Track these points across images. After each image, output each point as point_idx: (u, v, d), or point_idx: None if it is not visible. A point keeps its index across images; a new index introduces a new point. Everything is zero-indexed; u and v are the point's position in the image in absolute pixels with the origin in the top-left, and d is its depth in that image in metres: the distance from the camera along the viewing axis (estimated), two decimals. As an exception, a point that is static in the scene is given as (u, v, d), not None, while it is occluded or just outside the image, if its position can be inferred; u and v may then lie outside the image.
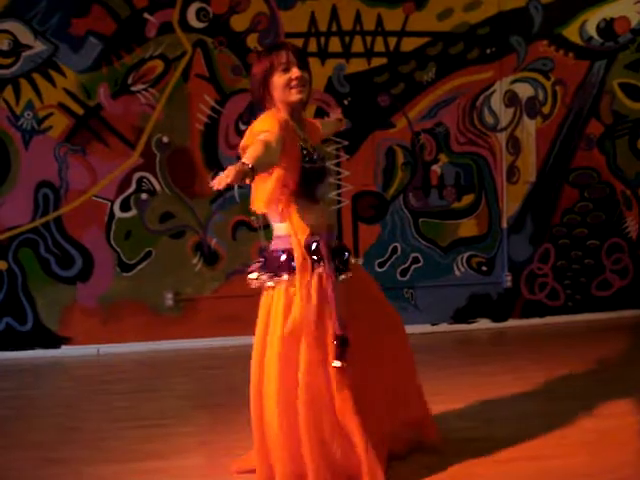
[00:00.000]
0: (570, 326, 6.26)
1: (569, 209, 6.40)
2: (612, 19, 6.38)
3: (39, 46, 5.73)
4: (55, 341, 5.89)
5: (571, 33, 6.35)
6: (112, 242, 5.89)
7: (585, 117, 6.38)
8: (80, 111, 5.81)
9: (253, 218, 5.92)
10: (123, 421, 4.32)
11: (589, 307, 6.46)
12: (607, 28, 6.38)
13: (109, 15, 5.77)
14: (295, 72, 3.29)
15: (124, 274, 5.92)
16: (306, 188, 3.28)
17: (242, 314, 5.96)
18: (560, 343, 5.77)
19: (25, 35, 5.71)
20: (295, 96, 3.31)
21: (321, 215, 3.37)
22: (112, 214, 5.88)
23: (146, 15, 5.81)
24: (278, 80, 3.29)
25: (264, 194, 3.22)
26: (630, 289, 6.52)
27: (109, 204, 5.88)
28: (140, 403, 4.66)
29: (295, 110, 3.37)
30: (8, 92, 5.74)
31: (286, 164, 3.17)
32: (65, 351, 5.88)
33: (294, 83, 3.29)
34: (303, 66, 3.33)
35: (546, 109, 6.31)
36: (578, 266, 6.45)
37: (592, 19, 6.36)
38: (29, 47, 5.72)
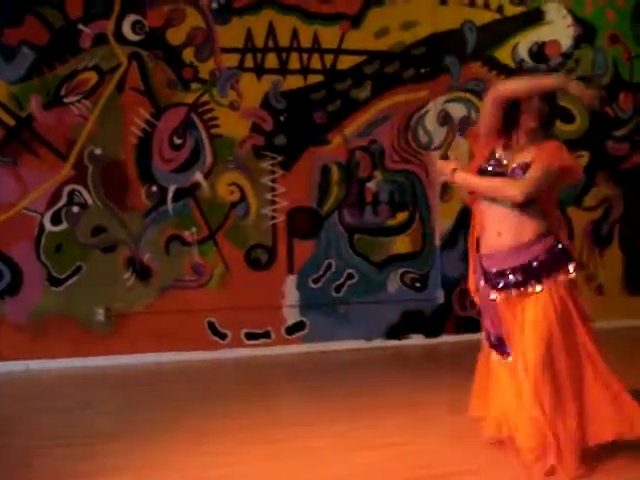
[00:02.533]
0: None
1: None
2: (544, 42, 6.55)
3: (-31, 55, 5.62)
4: (-19, 357, 5.74)
5: (504, 55, 6.49)
6: (42, 256, 5.77)
7: (517, 137, 6.50)
8: (11, 122, 5.70)
9: (188, 233, 5.95)
10: (51, 439, 4.21)
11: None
12: (539, 51, 6.54)
13: (43, 25, 5.68)
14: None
15: (54, 289, 5.81)
16: None
17: (175, 330, 5.92)
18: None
19: (-46, 43, 5.60)
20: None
21: None
22: (42, 227, 5.77)
23: (80, 26, 5.74)
24: None
25: None
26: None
27: (39, 217, 5.76)
28: (69, 420, 4.56)
29: None
30: (-64, 101, 5.61)
31: None
32: (-8, 367, 5.73)
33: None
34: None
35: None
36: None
37: (524, 42, 6.52)
38: (-42, 56, 5.61)
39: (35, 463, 3.87)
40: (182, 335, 5.92)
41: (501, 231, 3.51)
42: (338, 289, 6.25)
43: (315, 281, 6.21)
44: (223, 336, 6.03)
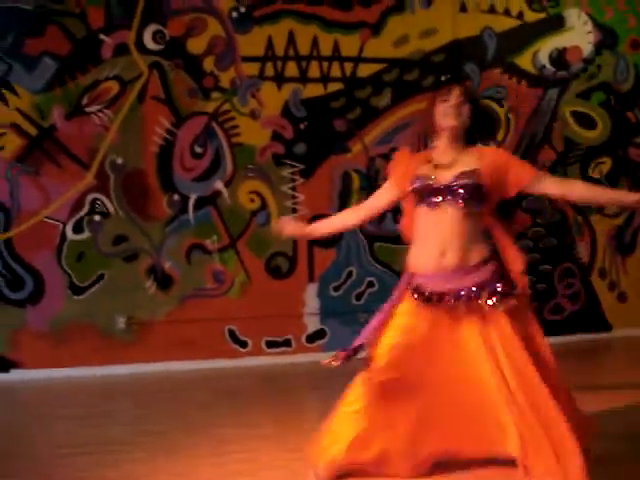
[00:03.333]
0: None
1: (522, 234, 6.47)
2: (564, 48, 6.52)
3: (-8, 65, 5.66)
4: (4, 365, 5.76)
5: (524, 62, 6.47)
6: (64, 264, 5.80)
7: (538, 144, 6.48)
8: (33, 132, 5.74)
9: (209, 241, 5.96)
10: (72, 447, 4.22)
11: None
12: (559, 57, 6.51)
13: (64, 35, 5.72)
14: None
15: (75, 297, 5.83)
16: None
17: (195, 338, 5.93)
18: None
19: (-22, 54, 5.64)
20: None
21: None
22: (64, 236, 5.80)
23: (102, 36, 5.78)
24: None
25: None
26: (581, 313, 6.61)
27: (61, 226, 5.80)
28: (90, 429, 4.57)
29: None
30: (-41, 111, 5.65)
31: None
32: (14, 375, 5.75)
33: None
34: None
35: (499, 136, 6.39)
36: (531, 291, 6.50)
37: (545, 48, 6.49)
38: (-18, 66, 5.65)
39: (56, 472, 3.88)
40: (203, 343, 5.92)
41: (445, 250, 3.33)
42: (359, 297, 6.24)
43: (336, 289, 6.20)
44: (244, 344, 6.04)
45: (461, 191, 3.31)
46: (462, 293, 3.33)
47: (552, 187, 3.43)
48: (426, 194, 3.37)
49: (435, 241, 3.35)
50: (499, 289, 3.33)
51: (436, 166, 3.40)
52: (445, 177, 3.36)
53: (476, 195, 3.32)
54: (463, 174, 3.33)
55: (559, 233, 6.55)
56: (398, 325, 3.46)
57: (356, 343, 3.51)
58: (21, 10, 5.65)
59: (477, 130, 3.45)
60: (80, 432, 4.50)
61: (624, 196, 3.78)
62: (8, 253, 5.74)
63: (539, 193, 3.48)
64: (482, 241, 3.38)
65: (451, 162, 3.38)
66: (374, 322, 3.55)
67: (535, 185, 3.39)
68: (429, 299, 3.39)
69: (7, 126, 5.69)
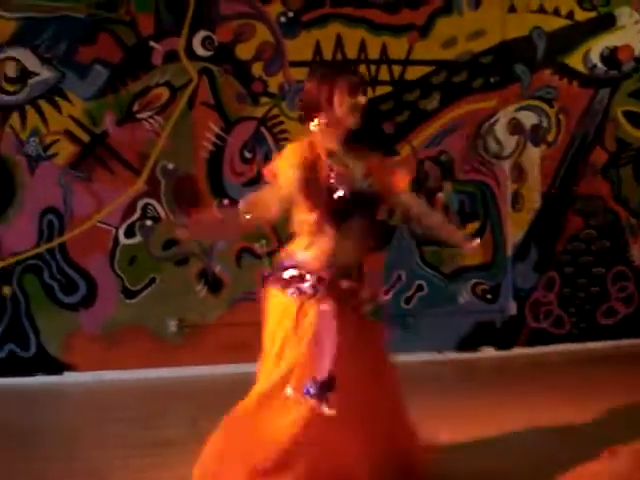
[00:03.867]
0: (575, 354, 6.23)
1: (574, 237, 6.40)
2: (616, 47, 6.42)
3: (46, 73, 5.76)
4: (58, 367, 5.85)
5: (575, 61, 6.38)
6: (116, 268, 5.88)
7: (589, 145, 6.40)
8: (86, 138, 5.83)
9: (258, 245, 5.98)
10: (127, 449, 4.27)
11: (594, 335, 6.43)
12: (611, 56, 6.42)
13: (115, 43, 5.81)
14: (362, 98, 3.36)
15: (128, 301, 5.90)
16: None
17: (247, 341, 5.92)
18: (567, 372, 5.75)
19: (32, 62, 5.74)
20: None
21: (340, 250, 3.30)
22: (117, 240, 5.88)
23: (152, 43, 5.85)
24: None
25: None
26: (635, 317, 6.50)
27: (114, 230, 5.88)
28: (144, 431, 4.61)
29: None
30: (14, 119, 5.76)
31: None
32: (68, 378, 5.84)
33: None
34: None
35: (550, 137, 6.32)
36: (583, 294, 6.43)
37: (596, 47, 6.40)
38: (36, 74, 5.75)
39: (112, 474, 3.92)
40: (254, 347, 5.92)
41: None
42: (408, 301, 6.21)
43: (385, 292, 6.16)
44: (293, 347, 6.04)
45: None
46: None
47: None
48: None
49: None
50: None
51: None
52: None
53: None
54: None
55: (612, 235, 6.45)
56: None
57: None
58: (73, 19, 5.75)
59: None
60: (134, 434, 4.55)
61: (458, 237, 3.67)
62: (62, 257, 5.83)
63: None
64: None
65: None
66: None
67: None
68: None
69: (60, 133, 5.79)
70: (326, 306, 3.23)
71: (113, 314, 5.89)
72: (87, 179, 5.83)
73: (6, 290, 5.81)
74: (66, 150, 5.80)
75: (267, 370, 3.37)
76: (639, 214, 6.47)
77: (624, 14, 6.46)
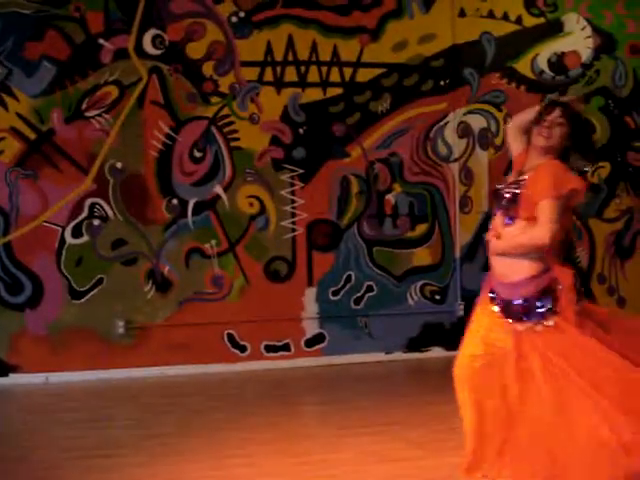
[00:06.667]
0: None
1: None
2: (563, 53, 6.53)
3: (-8, 69, 5.66)
4: (3, 369, 5.75)
5: (523, 66, 6.48)
6: (63, 268, 5.80)
7: (536, 149, 6.48)
8: (32, 136, 5.74)
9: (208, 245, 5.96)
10: (72, 451, 4.21)
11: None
12: (558, 62, 6.53)
13: (64, 40, 5.73)
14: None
15: (74, 301, 5.83)
16: None
17: (194, 342, 5.92)
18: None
19: (-22, 58, 5.64)
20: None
21: None
22: (63, 240, 5.80)
23: (101, 41, 5.79)
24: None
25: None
26: (580, 318, 6.59)
27: (60, 230, 5.80)
28: (90, 433, 4.57)
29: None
30: (-41, 115, 5.65)
31: None
32: (13, 379, 5.73)
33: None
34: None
35: (498, 140, 6.40)
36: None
37: (544, 53, 6.51)
38: (-18, 70, 5.65)
39: (56, 475, 3.88)
40: (202, 347, 5.92)
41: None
42: (358, 301, 6.24)
43: (335, 293, 6.20)
44: (243, 348, 6.03)
45: (506, 196, 3.28)
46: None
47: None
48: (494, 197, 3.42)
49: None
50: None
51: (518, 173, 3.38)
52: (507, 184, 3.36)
53: (513, 202, 3.25)
54: (512, 182, 3.31)
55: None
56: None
57: None
58: (21, 15, 5.66)
59: (575, 149, 3.33)
60: (80, 436, 4.50)
61: None
62: (7, 257, 5.73)
63: None
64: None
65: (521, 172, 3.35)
66: None
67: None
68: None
69: (6, 130, 5.69)
70: None
71: (59, 315, 5.80)
72: (33, 177, 5.74)
73: (-51, 290, 5.70)
74: (12, 148, 5.71)
75: None
76: (584, 217, 6.58)
77: (572, 20, 6.58)
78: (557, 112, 3.28)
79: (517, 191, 3.24)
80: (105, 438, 4.47)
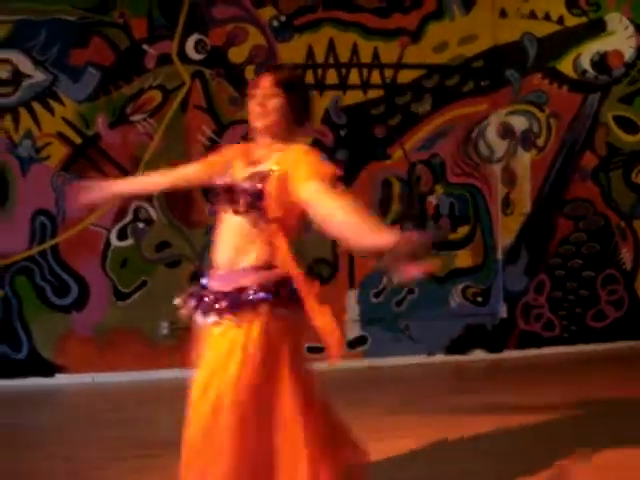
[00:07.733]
0: (565, 357, 6.27)
1: (564, 240, 6.43)
2: (606, 53, 6.47)
3: (39, 76, 5.77)
4: (50, 369, 5.85)
5: (565, 66, 6.43)
6: (108, 271, 5.89)
7: (579, 149, 6.44)
8: (78, 140, 5.84)
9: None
10: (119, 451, 4.26)
11: (584, 338, 6.47)
12: (601, 62, 6.46)
13: (108, 46, 5.82)
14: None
15: (119, 303, 5.91)
16: None
17: (238, 344, 5.96)
18: (556, 375, 5.77)
19: (25, 64, 5.75)
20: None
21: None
22: (108, 243, 5.89)
23: (145, 46, 5.87)
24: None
25: None
26: (625, 320, 6.54)
27: (106, 233, 5.88)
28: (135, 432, 4.62)
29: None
30: (7, 121, 5.76)
31: None
32: (60, 380, 5.84)
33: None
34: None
35: (541, 141, 6.36)
36: (573, 297, 6.47)
37: (586, 53, 6.45)
38: (29, 76, 5.76)
39: (103, 475, 3.93)
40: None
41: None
42: (399, 303, 6.24)
43: (376, 295, 6.21)
44: (285, 350, 6.05)
45: (242, 194, 2.78)
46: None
47: (317, 206, 2.76)
48: (216, 192, 2.89)
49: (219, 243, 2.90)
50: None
51: (249, 163, 2.87)
52: (237, 176, 2.85)
53: (256, 200, 2.77)
54: (252, 175, 2.80)
55: (602, 239, 6.49)
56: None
57: None
58: (66, 21, 5.76)
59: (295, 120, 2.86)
60: (125, 436, 4.55)
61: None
62: (54, 260, 5.84)
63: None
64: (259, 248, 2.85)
65: (256, 160, 2.86)
66: None
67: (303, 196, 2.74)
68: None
69: (53, 135, 5.80)
70: None
71: (105, 316, 5.89)
72: (79, 181, 5.82)
73: (-2, 292, 5.82)
74: (59, 152, 5.81)
75: None
76: (628, 218, 6.51)
77: (614, 20, 6.51)
78: (267, 82, 2.78)
79: (253, 186, 2.78)
80: (149, 438, 4.50)
